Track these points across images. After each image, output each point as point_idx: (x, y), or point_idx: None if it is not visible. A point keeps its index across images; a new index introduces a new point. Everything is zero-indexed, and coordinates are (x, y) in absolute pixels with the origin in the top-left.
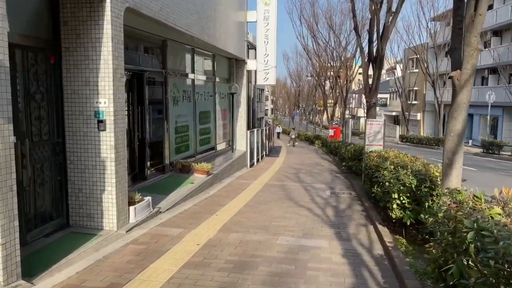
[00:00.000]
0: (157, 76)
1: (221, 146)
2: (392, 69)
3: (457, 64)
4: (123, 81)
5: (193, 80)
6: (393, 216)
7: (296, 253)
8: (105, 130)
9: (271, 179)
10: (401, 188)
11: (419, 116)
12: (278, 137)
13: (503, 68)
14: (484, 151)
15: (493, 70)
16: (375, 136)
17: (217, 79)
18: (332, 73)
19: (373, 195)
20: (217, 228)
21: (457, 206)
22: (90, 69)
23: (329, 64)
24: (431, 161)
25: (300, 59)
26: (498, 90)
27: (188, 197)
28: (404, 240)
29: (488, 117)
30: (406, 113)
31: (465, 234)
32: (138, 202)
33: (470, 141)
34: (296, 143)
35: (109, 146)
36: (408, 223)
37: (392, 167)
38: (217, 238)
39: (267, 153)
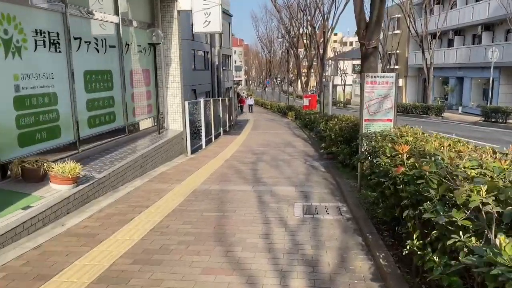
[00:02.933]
0: None
1: (143, 124)
2: None
3: None
4: None
5: (63, 15)
6: None
7: None
8: None
9: (210, 179)
10: None
11: (401, 82)
12: (251, 110)
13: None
14: (486, 119)
15: (487, 27)
16: (380, 104)
17: (134, 23)
18: (306, 29)
19: (406, 246)
20: None
21: None
22: None
23: (301, 16)
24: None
25: (271, 19)
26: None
27: None
28: None
29: (491, 79)
30: None
31: None
32: None
33: (460, 108)
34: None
35: None
36: None
37: None
38: None
39: (227, 129)
